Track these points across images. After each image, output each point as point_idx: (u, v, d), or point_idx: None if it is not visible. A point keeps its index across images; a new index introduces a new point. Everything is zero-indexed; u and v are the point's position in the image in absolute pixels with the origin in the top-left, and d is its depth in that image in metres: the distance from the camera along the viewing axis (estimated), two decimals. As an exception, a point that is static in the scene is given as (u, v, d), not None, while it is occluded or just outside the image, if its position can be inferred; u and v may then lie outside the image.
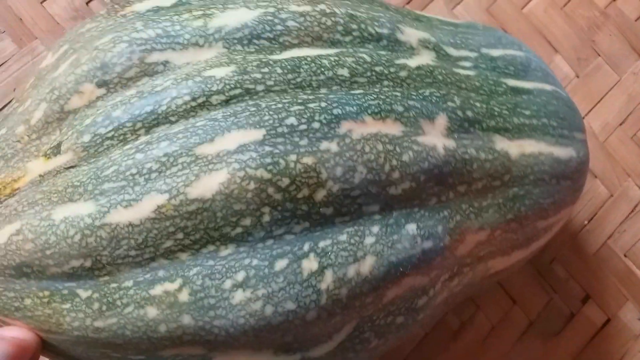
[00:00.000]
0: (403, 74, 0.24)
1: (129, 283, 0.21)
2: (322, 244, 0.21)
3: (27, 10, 0.37)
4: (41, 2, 0.38)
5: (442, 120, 0.24)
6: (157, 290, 0.20)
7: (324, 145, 0.21)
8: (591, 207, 0.38)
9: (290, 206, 0.21)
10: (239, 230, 0.20)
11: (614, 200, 0.39)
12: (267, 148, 0.21)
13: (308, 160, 0.21)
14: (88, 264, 0.21)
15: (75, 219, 0.20)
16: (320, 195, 0.21)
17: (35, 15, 0.37)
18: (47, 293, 0.21)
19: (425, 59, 0.25)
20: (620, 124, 0.40)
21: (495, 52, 0.29)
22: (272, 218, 0.21)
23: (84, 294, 0.21)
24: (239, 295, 0.20)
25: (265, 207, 0.20)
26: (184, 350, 0.21)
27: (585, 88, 0.40)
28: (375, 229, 0.22)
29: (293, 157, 0.21)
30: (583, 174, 0.29)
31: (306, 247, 0.21)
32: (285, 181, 0.20)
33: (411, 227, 0.22)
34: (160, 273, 0.20)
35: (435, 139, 0.24)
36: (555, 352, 0.36)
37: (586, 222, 0.38)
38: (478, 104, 0.26)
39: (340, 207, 0.21)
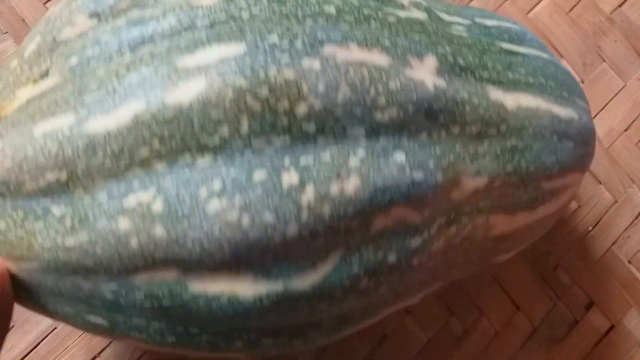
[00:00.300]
0: (392, 19, 0.24)
1: (103, 197, 0.20)
2: (303, 160, 0.20)
3: (30, 11, 0.37)
4: (44, 3, 0.38)
5: (431, 60, 0.23)
6: (131, 200, 0.20)
7: (306, 62, 0.21)
8: (595, 213, 0.38)
9: (269, 117, 0.20)
10: (216, 139, 0.20)
11: (619, 206, 0.38)
12: (248, 60, 0.20)
13: (289, 74, 0.21)
14: (64, 176, 0.20)
15: (54, 132, 0.21)
16: (301, 109, 0.20)
17: (38, 16, 0.37)
18: (21, 213, 0.21)
19: (416, 14, 0.25)
20: (625, 130, 0.40)
21: (489, 22, 0.29)
22: (251, 128, 0.20)
23: (57, 210, 0.21)
24: (215, 204, 0.20)
25: (244, 116, 0.20)
26: (157, 274, 0.20)
27: (590, 93, 0.40)
28: (361, 151, 0.21)
29: (273, 69, 0.20)
30: (587, 140, 0.29)
31: (286, 161, 0.20)
32: (265, 91, 0.20)
33: (399, 156, 0.22)
34: (135, 183, 0.20)
35: (425, 75, 0.23)
36: (559, 358, 0.35)
37: (590, 228, 0.38)
38: (470, 57, 0.25)
39: (323, 125, 0.21)
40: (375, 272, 0.22)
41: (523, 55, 0.28)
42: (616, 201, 0.39)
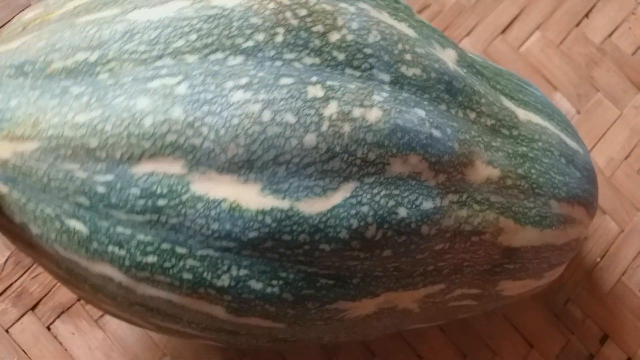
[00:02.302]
0: (415, 23, 0.26)
1: (128, 79, 0.20)
2: (329, 82, 0.21)
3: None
4: None
5: (452, 53, 0.26)
6: (156, 83, 0.20)
7: (344, 5, 0.23)
8: (602, 243, 0.38)
9: (304, 35, 0.21)
10: (250, 43, 0.21)
11: (625, 235, 0.38)
12: None
13: (327, 7, 0.22)
14: (94, 57, 0.21)
15: (96, 20, 0.21)
16: (334, 37, 0.22)
17: None
18: (37, 93, 0.21)
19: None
20: (625, 158, 0.40)
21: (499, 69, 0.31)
22: (285, 40, 0.21)
23: (76, 89, 0.21)
24: (239, 95, 0.20)
25: (280, 28, 0.21)
26: (161, 165, 0.20)
27: (588, 124, 0.40)
28: (385, 94, 0.22)
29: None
30: (591, 179, 0.29)
31: (314, 78, 0.21)
32: (303, 12, 0.22)
33: (420, 111, 0.23)
34: (163, 71, 0.20)
35: (446, 58, 0.25)
36: (578, 396, 0.35)
37: (599, 259, 0.38)
38: (485, 71, 0.27)
39: (352, 58, 0.22)
40: (384, 223, 0.21)
41: (531, 89, 0.29)
42: (622, 230, 0.38)
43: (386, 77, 0.22)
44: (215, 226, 0.20)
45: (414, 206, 0.22)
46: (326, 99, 0.21)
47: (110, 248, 0.21)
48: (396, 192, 0.22)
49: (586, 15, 0.42)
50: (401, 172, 0.22)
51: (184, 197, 0.20)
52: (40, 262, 0.23)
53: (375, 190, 0.21)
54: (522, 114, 0.27)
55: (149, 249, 0.20)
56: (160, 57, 0.21)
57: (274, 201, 0.20)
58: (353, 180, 0.21)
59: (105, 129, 0.20)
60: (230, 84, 0.20)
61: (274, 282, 0.21)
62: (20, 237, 0.22)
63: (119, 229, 0.20)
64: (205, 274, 0.21)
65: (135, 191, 0.20)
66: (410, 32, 0.24)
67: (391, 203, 0.22)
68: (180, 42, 0.21)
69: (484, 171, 0.25)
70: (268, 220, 0.20)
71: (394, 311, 0.25)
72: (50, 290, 0.33)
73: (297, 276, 0.21)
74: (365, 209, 0.21)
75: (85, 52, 0.21)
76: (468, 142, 0.24)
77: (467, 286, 0.27)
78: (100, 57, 0.21)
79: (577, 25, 0.42)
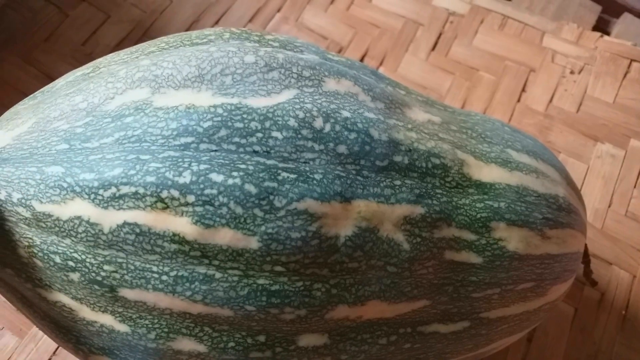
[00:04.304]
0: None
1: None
2: (268, 36, 0.27)
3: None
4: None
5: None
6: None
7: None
8: (621, 295, 0.38)
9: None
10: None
11: (639, 280, 0.38)
12: None
13: None
14: None
15: None
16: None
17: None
18: None
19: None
20: (609, 206, 0.41)
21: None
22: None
23: None
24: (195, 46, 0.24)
25: None
26: (131, 93, 0.23)
27: (562, 185, 0.42)
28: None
29: None
30: (544, 146, 0.30)
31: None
32: None
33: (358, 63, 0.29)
34: None
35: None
36: None
37: (623, 311, 0.37)
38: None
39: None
40: (329, 117, 0.23)
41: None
42: (634, 276, 0.38)
43: None
44: (173, 125, 0.22)
45: (356, 113, 0.24)
46: (263, 44, 0.26)
47: (82, 176, 0.22)
48: (337, 101, 0.24)
49: (523, 90, 0.45)
50: (337, 89, 0.25)
51: (147, 111, 0.23)
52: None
53: (316, 97, 0.24)
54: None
55: (117, 162, 0.22)
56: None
57: (224, 99, 0.23)
58: (294, 88, 0.24)
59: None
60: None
61: (235, 173, 0.22)
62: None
63: (91, 157, 0.22)
64: (167, 173, 0.22)
65: (107, 120, 0.23)
66: None
67: (333, 106, 0.24)
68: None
69: (423, 115, 0.26)
70: (220, 110, 0.23)
71: (379, 241, 0.23)
72: None
73: (257, 167, 0.22)
74: (309, 105, 0.23)
75: None
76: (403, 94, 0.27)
77: (456, 227, 0.25)
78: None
79: (519, 100, 0.45)
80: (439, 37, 0.47)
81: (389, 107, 0.25)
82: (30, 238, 0.23)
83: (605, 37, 0.47)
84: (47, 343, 0.35)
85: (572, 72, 0.46)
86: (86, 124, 0.23)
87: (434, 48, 0.47)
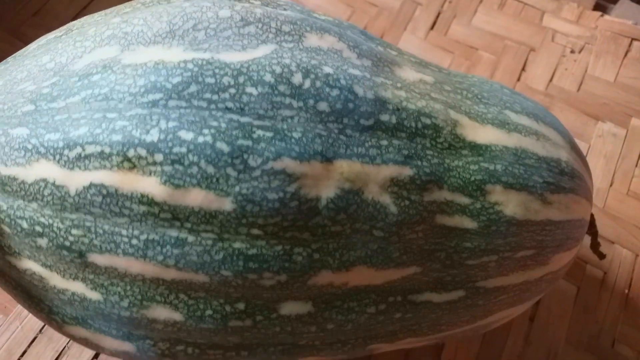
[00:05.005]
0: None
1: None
2: None
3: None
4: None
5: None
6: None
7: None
8: (623, 274, 0.37)
9: None
10: None
11: (642, 259, 0.37)
12: None
13: None
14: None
15: None
16: None
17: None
18: None
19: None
20: (611, 185, 0.40)
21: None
22: None
23: None
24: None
25: None
26: (99, 51, 0.22)
27: (563, 164, 0.41)
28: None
29: None
30: (545, 110, 0.29)
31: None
32: None
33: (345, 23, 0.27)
34: None
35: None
36: None
37: (626, 290, 0.36)
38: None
39: None
40: (309, 73, 0.22)
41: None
42: (637, 255, 0.37)
43: None
44: (141, 82, 0.21)
45: (340, 69, 0.22)
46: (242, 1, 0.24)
47: (47, 136, 0.21)
48: (318, 57, 0.23)
49: (523, 69, 0.44)
50: (319, 45, 0.23)
51: (115, 68, 0.22)
52: None
53: (295, 52, 0.22)
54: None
55: (82, 121, 0.21)
56: None
57: (195, 54, 0.22)
58: (271, 43, 0.22)
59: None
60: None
61: (205, 130, 0.20)
62: None
63: (57, 117, 0.21)
64: (134, 132, 0.20)
65: (74, 79, 0.22)
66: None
67: (314, 62, 0.22)
68: None
69: (414, 74, 0.25)
70: (190, 65, 0.21)
71: (364, 203, 0.22)
72: None
73: (230, 125, 0.21)
74: (287, 61, 0.22)
75: None
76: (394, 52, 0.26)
77: (448, 190, 0.24)
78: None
79: (519, 79, 0.44)
80: (437, 16, 0.47)
81: (376, 65, 0.24)
82: None
83: (606, 17, 0.47)
84: (32, 321, 0.34)
85: (572, 52, 0.45)
86: (53, 84, 0.22)
87: (432, 27, 0.46)
